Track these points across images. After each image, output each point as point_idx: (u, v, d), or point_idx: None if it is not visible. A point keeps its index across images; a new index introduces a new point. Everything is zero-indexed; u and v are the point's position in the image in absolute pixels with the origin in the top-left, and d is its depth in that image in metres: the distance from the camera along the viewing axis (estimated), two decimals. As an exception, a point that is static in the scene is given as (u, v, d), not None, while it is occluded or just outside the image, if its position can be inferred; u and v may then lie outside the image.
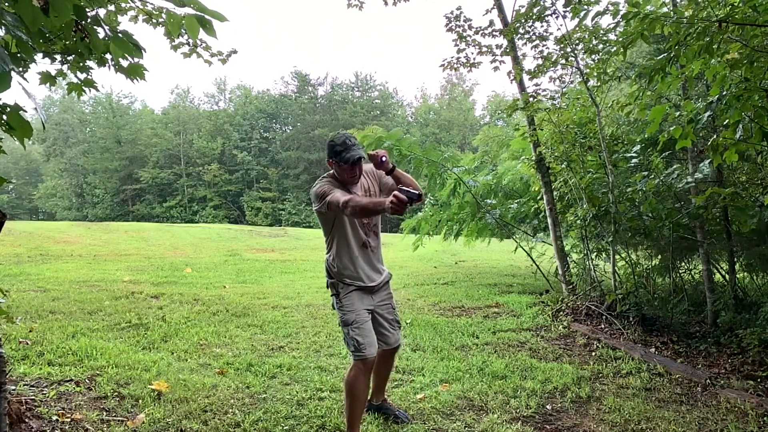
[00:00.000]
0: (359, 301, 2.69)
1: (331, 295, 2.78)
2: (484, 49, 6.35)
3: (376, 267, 2.78)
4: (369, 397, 3.02)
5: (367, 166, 2.85)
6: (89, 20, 2.04)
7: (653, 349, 4.29)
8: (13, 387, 3.00)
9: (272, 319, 5.45)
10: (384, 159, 2.76)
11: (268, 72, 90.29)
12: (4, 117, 1.83)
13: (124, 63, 2.38)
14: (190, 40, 4.48)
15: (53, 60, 2.90)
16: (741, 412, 3.10)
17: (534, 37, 5.83)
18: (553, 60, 5.79)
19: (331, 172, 2.71)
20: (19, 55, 1.89)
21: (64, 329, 4.58)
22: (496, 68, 6.38)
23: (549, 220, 6.21)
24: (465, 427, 2.92)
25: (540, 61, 5.90)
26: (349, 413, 2.66)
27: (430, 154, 7.69)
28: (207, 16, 1.76)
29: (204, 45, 4.58)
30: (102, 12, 3.44)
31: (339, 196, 2.43)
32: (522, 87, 6.20)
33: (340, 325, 2.72)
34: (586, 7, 4.74)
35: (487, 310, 6.11)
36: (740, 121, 2.95)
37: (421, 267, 11.05)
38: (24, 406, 2.71)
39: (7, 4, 1.58)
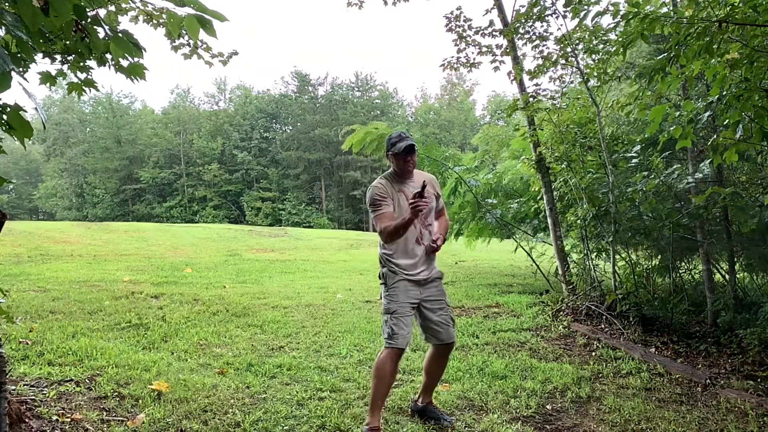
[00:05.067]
0: (404, 294, 2.78)
1: (381, 284, 2.90)
2: (484, 49, 6.35)
3: (427, 262, 2.87)
4: (416, 398, 3.06)
5: (430, 176, 2.97)
6: (89, 20, 2.03)
7: (653, 349, 4.29)
8: (13, 387, 3.00)
9: (272, 319, 5.45)
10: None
11: (268, 72, 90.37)
12: (5, 117, 1.83)
13: (124, 63, 2.38)
14: (191, 41, 4.48)
15: (53, 60, 2.90)
16: (741, 412, 3.10)
17: (534, 37, 5.83)
18: (553, 60, 5.79)
19: (389, 170, 2.92)
20: (19, 55, 1.89)
21: (64, 329, 4.58)
22: (496, 68, 6.38)
23: (549, 220, 6.20)
24: (465, 427, 2.92)
25: (540, 61, 5.90)
26: (373, 394, 2.75)
27: (432, 152, 7.71)
28: (207, 16, 1.75)
29: (205, 46, 4.59)
30: (102, 12, 3.44)
31: (377, 220, 2.74)
32: (522, 87, 6.20)
33: (382, 312, 2.84)
34: (586, 7, 4.74)
35: (487, 310, 6.10)
36: (740, 121, 2.95)
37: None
38: (24, 406, 2.71)
39: (7, 4, 1.58)
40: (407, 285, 2.79)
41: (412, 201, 2.48)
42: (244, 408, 3.07)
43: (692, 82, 3.66)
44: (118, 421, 2.82)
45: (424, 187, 2.49)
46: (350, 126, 8.11)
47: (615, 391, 3.47)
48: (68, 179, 49.65)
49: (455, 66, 6.66)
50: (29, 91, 1.65)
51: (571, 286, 5.98)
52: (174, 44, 4.53)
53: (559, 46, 5.64)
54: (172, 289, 7.24)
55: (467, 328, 5.13)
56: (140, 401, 3.07)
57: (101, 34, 2.08)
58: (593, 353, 4.34)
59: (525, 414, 3.08)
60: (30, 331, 4.47)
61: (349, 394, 3.33)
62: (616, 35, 4.73)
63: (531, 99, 5.78)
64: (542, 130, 6.00)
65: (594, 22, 5.18)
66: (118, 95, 51.38)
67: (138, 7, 4.09)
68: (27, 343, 4.05)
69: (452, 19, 6.30)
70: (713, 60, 3.05)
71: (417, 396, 3.07)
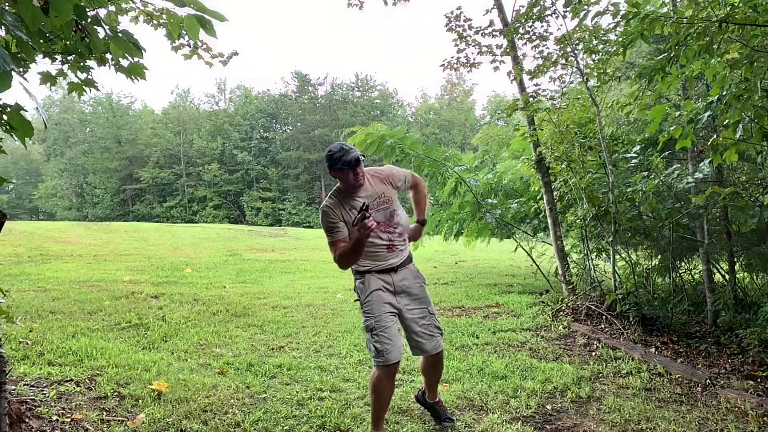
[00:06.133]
0: (379, 305, 2.63)
1: (355, 301, 2.79)
2: (484, 49, 6.35)
3: (398, 256, 2.76)
4: (423, 390, 3.01)
5: (383, 171, 2.82)
6: (89, 20, 2.03)
7: (653, 349, 4.29)
8: (13, 387, 3.00)
9: (272, 319, 5.45)
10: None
11: (268, 72, 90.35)
12: (5, 117, 1.84)
13: (125, 63, 2.38)
14: (191, 42, 4.48)
15: (53, 60, 2.90)
16: (741, 412, 3.10)
17: (534, 37, 5.83)
18: (553, 60, 5.79)
19: (335, 188, 2.71)
20: (19, 55, 1.89)
21: (64, 329, 4.58)
22: (496, 68, 6.38)
23: (549, 220, 6.20)
24: (465, 427, 2.92)
25: (540, 61, 5.90)
26: (374, 409, 2.68)
27: (432, 153, 7.72)
28: (207, 16, 1.75)
29: (205, 47, 4.58)
30: (102, 12, 3.44)
31: (331, 248, 2.60)
32: (522, 87, 6.20)
33: (363, 329, 2.73)
34: (586, 7, 4.73)
35: (487, 310, 6.10)
36: (740, 121, 2.95)
37: (421, 267, 10.93)
38: (24, 406, 2.71)
39: (7, 4, 1.58)
40: (381, 295, 2.64)
41: (356, 224, 2.33)
42: (244, 408, 3.08)
43: (692, 82, 3.67)
44: (118, 421, 2.82)
45: (366, 208, 2.31)
46: (351, 128, 8.12)
47: (615, 391, 3.47)
48: (68, 179, 49.64)
49: (455, 66, 6.66)
50: (30, 90, 1.65)
51: (571, 286, 5.98)
52: (174, 44, 4.52)
53: (559, 46, 5.64)
54: (172, 289, 7.24)
55: (467, 328, 5.13)
56: (140, 401, 3.07)
57: (101, 34, 2.08)
58: (593, 353, 4.34)
59: (525, 414, 3.08)
60: (30, 331, 4.46)
61: (349, 394, 3.33)
62: (616, 35, 4.73)
63: (531, 99, 5.78)
64: (542, 130, 6.00)
65: (594, 22, 5.19)
66: (118, 95, 51.43)
67: (138, 8, 4.08)
68: (27, 343, 4.05)
69: (452, 19, 6.30)
70: (713, 60, 3.05)
71: (423, 388, 3.01)
